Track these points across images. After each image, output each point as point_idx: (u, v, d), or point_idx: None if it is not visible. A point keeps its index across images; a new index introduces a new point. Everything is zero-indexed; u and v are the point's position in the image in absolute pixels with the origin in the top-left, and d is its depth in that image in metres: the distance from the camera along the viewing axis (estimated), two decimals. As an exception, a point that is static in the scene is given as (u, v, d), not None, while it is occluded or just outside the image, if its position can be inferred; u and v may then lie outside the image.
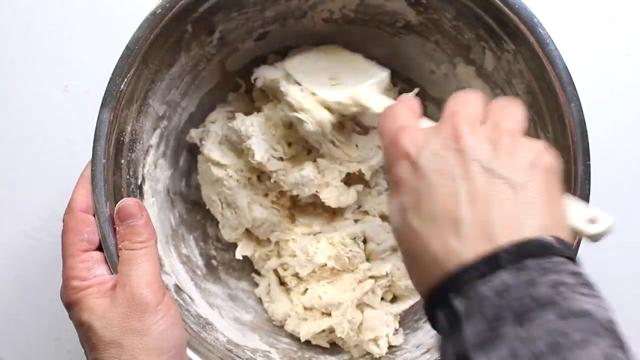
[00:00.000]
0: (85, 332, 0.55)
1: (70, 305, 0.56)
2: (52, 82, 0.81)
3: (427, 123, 0.53)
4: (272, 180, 0.73)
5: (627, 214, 0.72)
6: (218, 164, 0.74)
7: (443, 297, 0.41)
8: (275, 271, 0.77)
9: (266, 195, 0.76)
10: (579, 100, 0.60)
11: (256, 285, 0.78)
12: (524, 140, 0.47)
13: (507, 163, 0.44)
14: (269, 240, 0.77)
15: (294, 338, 0.74)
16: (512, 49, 0.64)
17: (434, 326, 0.44)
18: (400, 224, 0.47)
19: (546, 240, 0.41)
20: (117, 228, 0.59)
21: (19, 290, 0.81)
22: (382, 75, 0.71)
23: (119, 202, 0.60)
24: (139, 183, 0.67)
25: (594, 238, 0.47)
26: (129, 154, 0.65)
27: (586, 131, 0.61)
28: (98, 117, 0.60)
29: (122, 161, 0.63)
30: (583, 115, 0.61)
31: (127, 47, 0.61)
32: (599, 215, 0.47)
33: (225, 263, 0.78)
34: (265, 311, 0.76)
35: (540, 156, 0.46)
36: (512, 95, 0.67)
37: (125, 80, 0.61)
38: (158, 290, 0.57)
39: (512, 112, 0.49)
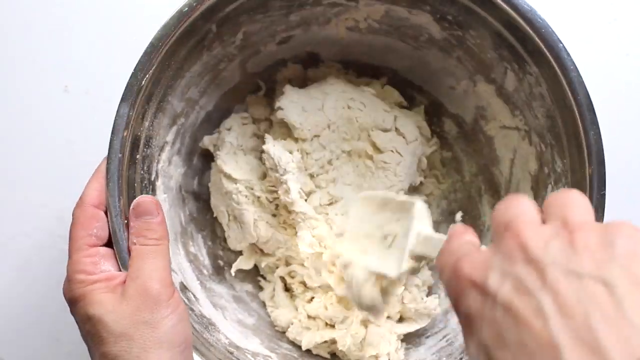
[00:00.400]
0: (94, 326, 0.55)
1: (75, 299, 0.56)
2: (52, 82, 0.82)
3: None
4: (291, 217, 0.73)
5: (626, 214, 0.72)
6: (230, 177, 0.74)
7: None
8: (282, 277, 0.77)
9: (274, 215, 0.76)
10: (598, 128, 0.60)
11: (261, 288, 0.78)
12: (599, 228, 0.39)
13: (590, 259, 0.37)
14: (274, 253, 0.77)
15: (295, 345, 0.74)
16: (535, 72, 0.64)
17: None
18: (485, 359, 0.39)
19: None
20: (131, 224, 0.60)
21: (19, 290, 0.81)
22: (419, 206, 0.58)
23: (136, 198, 0.61)
24: (152, 179, 0.67)
25: None
26: (145, 149, 0.65)
27: (604, 160, 0.60)
28: (117, 111, 0.60)
29: (138, 156, 0.63)
30: (601, 144, 0.60)
31: (151, 44, 0.61)
32: None
33: (231, 264, 0.78)
34: (268, 315, 0.76)
35: (625, 244, 0.37)
36: (532, 118, 0.67)
37: (147, 76, 0.61)
38: (169, 285, 0.57)
39: (576, 201, 0.42)
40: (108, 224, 0.59)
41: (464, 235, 0.47)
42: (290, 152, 0.73)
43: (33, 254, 0.81)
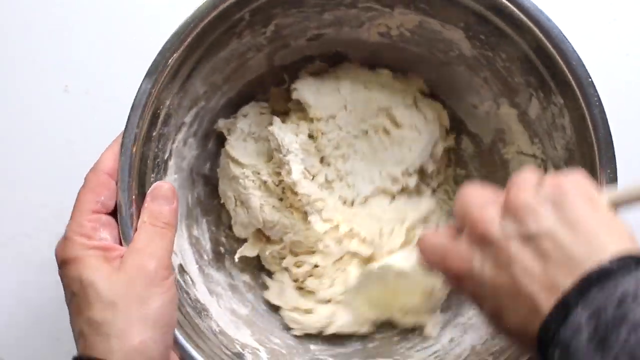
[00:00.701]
0: (84, 289, 0.54)
1: (69, 260, 0.56)
2: (52, 82, 0.81)
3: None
4: (298, 199, 0.74)
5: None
6: (237, 162, 0.75)
7: (546, 342, 0.44)
8: (287, 269, 0.78)
9: (281, 199, 0.76)
10: (615, 166, 0.60)
11: (264, 286, 0.78)
12: (533, 189, 0.50)
13: (533, 221, 0.48)
14: (281, 239, 0.77)
15: (284, 340, 0.74)
16: (560, 103, 0.64)
17: None
18: (492, 317, 0.51)
19: (603, 268, 0.43)
20: (145, 204, 0.60)
21: (19, 290, 0.81)
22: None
23: (156, 182, 0.62)
24: (166, 157, 0.67)
25: None
26: (162, 127, 0.65)
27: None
28: (140, 86, 0.60)
29: (154, 133, 0.63)
30: (616, 182, 0.60)
31: (184, 24, 0.61)
32: None
33: (233, 252, 0.78)
34: (262, 307, 0.77)
35: (552, 190, 0.49)
36: (551, 148, 0.67)
37: (174, 55, 0.61)
38: (167, 267, 0.58)
39: (516, 179, 0.52)
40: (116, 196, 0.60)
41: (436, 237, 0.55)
42: (297, 135, 0.74)
43: (33, 254, 0.81)
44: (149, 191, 0.61)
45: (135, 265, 0.56)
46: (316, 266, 0.76)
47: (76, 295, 0.55)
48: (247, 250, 0.77)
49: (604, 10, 0.82)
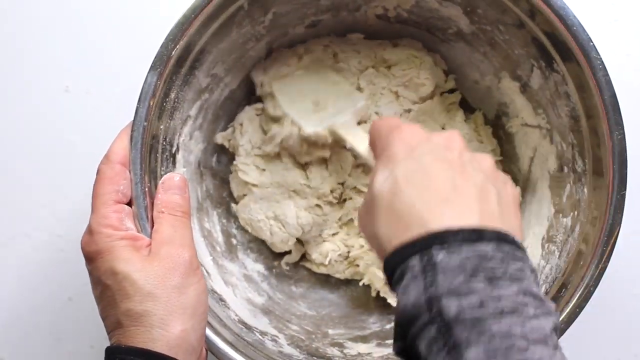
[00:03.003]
0: (119, 282, 0.55)
1: (99, 252, 0.56)
2: (52, 82, 0.82)
3: None
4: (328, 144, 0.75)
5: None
6: (258, 186, 0.76)
7: (421, 248, 0.45)
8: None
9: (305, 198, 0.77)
10: (623, 129, 0.60)
11: (278, 276, 0.81)
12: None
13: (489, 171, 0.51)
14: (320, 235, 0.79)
15: (303, 326, 0.74)
16: (562, 70, 0.64)
17: (390, 278, 0.47)
18: (383, 185, 0.50)
19: (516, 237, 0.47)
20: (158, 195, 0.61)
21: (19, 290, 0.81)
22: (360, 103, 0.74)
23: (166, 174, 0.62)
24: (174, 151, 0.67)
25: None
26: (169, 120, 0.65)
27: (626, 161, 0.60)
28: (145, 79, 0.60)
29: (161, 127, 0.63)
30: (625, 146, 0.61)
31: (184, 15, 0.61)
32: None
33: (244, 243, 0.79)
34: (277, 296, 0.77)
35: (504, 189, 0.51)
36: (555, 117, 0.67)
37: (177, 47, 0.61)
38: (196, 256, 0.59)
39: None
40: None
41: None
42: None
43: (33, 254, 0.81)
44: (160, 183, 0.62)
45: (170, 255, 0.56)
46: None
47: (110, 287, 0.55)
48: (291, 258, 0.80)
49: (605, 11, 0.83)
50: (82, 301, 0.81)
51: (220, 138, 0.77)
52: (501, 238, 0.46)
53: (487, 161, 0.52)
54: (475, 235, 0.45)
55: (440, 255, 0.44)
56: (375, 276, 0.77)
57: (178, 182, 0.62)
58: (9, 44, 0.82)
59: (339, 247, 0.78)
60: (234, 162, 0.77)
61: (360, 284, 0.78)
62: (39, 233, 0.81)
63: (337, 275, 0.80)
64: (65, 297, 0.81)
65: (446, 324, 0.42)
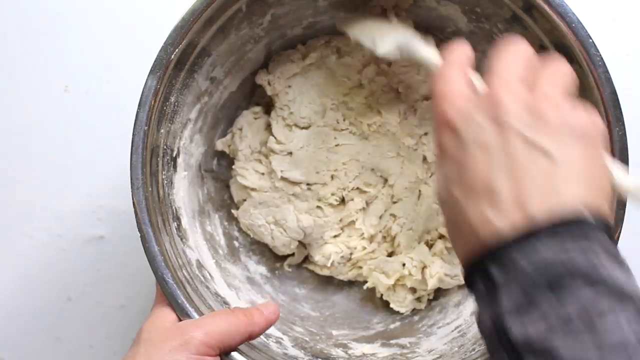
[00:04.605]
0: None
1: None
2: (52, 82, 0.82)
3: (477, 80, 0.50)
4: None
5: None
6: (257, 190, 0.76)
7: (481, 265, 0.42)
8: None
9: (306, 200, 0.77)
10: (624, 125, 0.60)
11: (280, 278, 0.81)
12: (568, 108, 0.45)
13: (547, 134, 0.43)
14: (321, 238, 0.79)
15: (307, 327, 0.74)
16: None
17: (474, 294, 0.44)
18: (443, 192, 0.47)
19: (582, 215, 0.41)
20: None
21: (19, 290, 0.81)
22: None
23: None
24: (174, 155, 0.67)
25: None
26: (169, 124, 0.65)
27: (627, 158, 0.60)
28: (145, 83, 0.60)
29: (162, 131, 0.64)
30: (626, 142, 0.61)
31: (183, 19, 0.61)
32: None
33: (247, 245, 0.79)
34: (280, 298, 0.77)
35: (583, 125, 0.44)
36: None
37: (176, 51, 0.61)
38: (210, 347, 0.57)
39: (559, 74, 0.47)
40: None
41: (461, 57, 0.52)
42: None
43: (33, 254, 0.81)
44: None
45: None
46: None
47: None
48: (294, 260, 0.81)
49: (604, 11, 0.83)
50: (82, 301, 0.81)
51: (220, 145, 0.77)
52: (557, 226, 0.40)
53: (553, 93, 0.45)
54: (524, 237, 0.41)
55: (495, 272, 0.41)
56: (378, 281, 0.77)
57: (267, 306, 0.63)
58: (8, 44, 0.82)
59: (341, 249, 0.78)
60: (233, 167, 0.77)
61: (365, 287, 0.78)
62: (39, 233, 0.81)
63: (341, 277, 0.80)
64: (65, 297, 0.81)
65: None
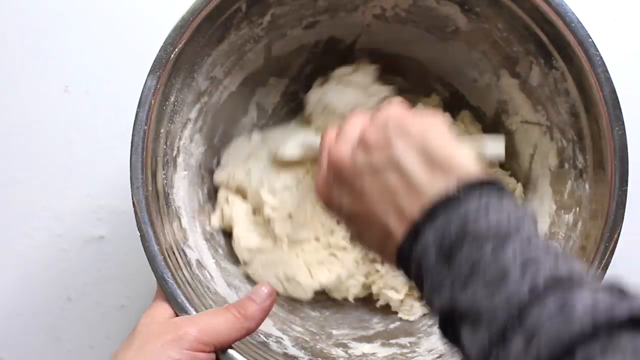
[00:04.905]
0: None
1: None
2: (52, 82, 0.82)
3: None
4: None
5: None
6: (264, 250, 0.76)
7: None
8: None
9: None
10: (623, 124, 0.61)
11: None
12: (376, 122, 0.53)
13: (379, 153, 0.50)
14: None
15: (307, 327, 0.74)
16: (561, 67, 0.64)
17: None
18: (353, 237, 0.57)
19: (446, 194, 0.46)
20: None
21: (19, 290, 0.81)
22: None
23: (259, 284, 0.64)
24: (174, 155, 0.67)
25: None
26: (169, 124, 0.65)
27: (627, 157, 0.61)
28: (145, 83, 0.60)
29: (162, 130, 0.63)
30: (625, 141, 0.61)
31: (183, 18, 0.61)
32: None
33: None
34: (280, 299, 0.77)
35: (394, 122, 0.51)
36: (555, 114, 0.67)
37: (176, 50, 0.61)
38: (205, 344, 0.57)
39: (383, 110, 0.54)
40: None
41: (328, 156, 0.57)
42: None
43: (33, 254, 0.81)
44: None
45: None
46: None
47: None
48: None
49: (604, 11, 0.83)
50: (82, 301, 0.81)
51: (218, 178, 0.77)
52: (429, 217, 0.46)
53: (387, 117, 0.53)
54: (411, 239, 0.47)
55: (418, 254, 0.46)
56: (389, 298, 0.76)
57: (261, 291, 0.62)
58: (8, 44, 0.82)
59: (359, 281, 0.77)
60: (234, 235, 0.76)
61: (377, 305, 0.78)
62: (39, 233, 0.81)
63: (351, 299, 0.79)
64: (65, 297, 0.81)
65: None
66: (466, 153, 0.49)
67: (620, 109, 0.61)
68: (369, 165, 0.50)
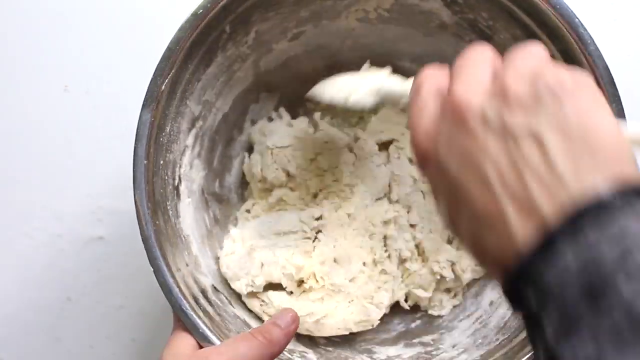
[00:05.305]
0: None
1: None
2: (52, 82, 0.82)
3: None
4: None
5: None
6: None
7: (516, 289, 0.37)
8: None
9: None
10: (620, 102, 0.61)
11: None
12: (529, 73, 0.39)
13: (522, 114, 0.38)
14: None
15: (331, 338, 0.74)
16: (551, 50, 0.64)
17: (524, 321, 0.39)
18: (451, 228, 0.43)
19: (597, 196, 0.34)
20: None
21: (19, 290, 0.81)
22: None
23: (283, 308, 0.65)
24: (176, 183, 0.67)
25: None
26: (167, 154, 0.65)
27: (626, 133, 0.61)
28: (139, 118, 0.60)
29: (161, 162, 0.63)
30: (624, 116, 0.61)
31: (169, 48, 0.61)
32: None
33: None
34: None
35: (556, 80, 0.38)
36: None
37: (166, 81, 0.61)
38: None
39: (521, 56, 0.42)
40: None
41: (431, 93, 0.45)
42: None
43: (33, 254, 0.81)
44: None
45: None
46: None
47: None
48: None
49: (605, 11, 0.82)
50: (82, 301, 0.81)
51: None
52: (575, 220, 0.34)
53: (518, 73, 0.40)
54: (544, 248, 0.35)
55: (531, 297, 0.36)
56: (418, 297, 0.75)
57: (285, 315, 0.62)
58: (8, 44, 0.82)
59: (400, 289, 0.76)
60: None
61: (407, 307, 0.75)
62: (39, 233, 0.81)
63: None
64: (65, 297, 0.81)
65: None
66: (624, 139, 0.37)
67: (614, 85, 0.61)
68: (502, 125, 0.38)
